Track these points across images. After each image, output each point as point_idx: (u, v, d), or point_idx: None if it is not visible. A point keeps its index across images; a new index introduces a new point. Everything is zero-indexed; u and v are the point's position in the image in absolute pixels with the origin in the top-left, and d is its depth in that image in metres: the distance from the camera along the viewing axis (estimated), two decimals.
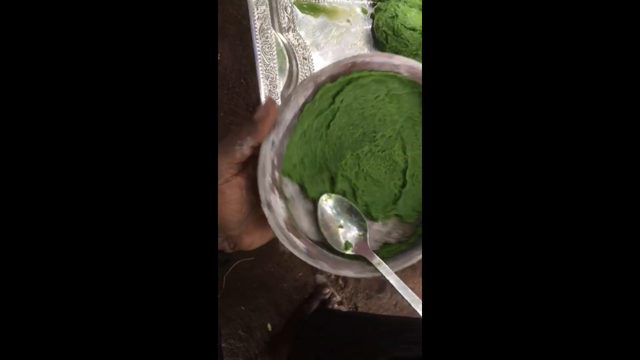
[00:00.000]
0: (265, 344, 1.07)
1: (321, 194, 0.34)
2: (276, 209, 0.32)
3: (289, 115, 0.31)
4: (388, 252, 0.34)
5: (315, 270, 1.10)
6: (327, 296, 1.08)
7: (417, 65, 0.31)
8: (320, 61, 0.61)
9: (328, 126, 0.33)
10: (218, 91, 1.03)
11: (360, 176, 0.34)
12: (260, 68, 0.56)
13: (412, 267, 1.13)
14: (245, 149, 0.30)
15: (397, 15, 0.60)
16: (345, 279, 1.12)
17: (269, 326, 1.07)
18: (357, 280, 1.12)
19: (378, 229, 0.35)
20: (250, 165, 0.32)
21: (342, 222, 0.34)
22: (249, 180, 0.32)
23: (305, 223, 0.35)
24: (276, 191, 0.32)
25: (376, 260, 0.32)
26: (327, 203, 0.34)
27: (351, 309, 1.12)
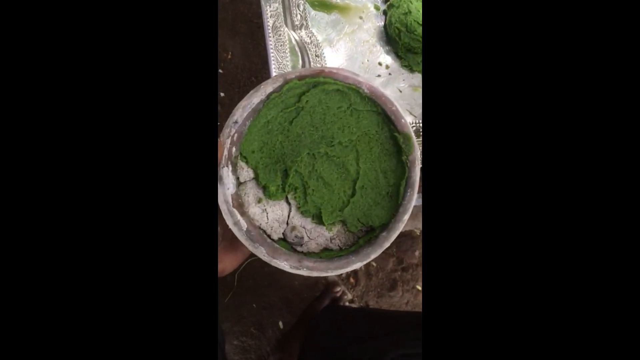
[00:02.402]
0: (276, 341, 1.07)
1: (273, 183, 0.36)
2: (226, 183, 0.34)
3: (255, 100, 0.34)
4: (327, 255, 0.36)
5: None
6: (338, 294, 1.08)
7: (377, 87, 0.35)
8: (332, 58, 0.60)
9: (291, 122, 0.35)
10: (229, 90, 1.03)
11: (313, 176, 0.36)
12: (272, 66, 0.56)
13: (416, 264, 1.12)
14: None
15: (410, 12, 0.60)
16: (356, 277, 1.12)
17: (280, 324, 1.08)
18: (369, 278, 1.12)
19: (322, 233, 0.37)
20: None
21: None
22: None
23: (253, 209, 0.36)
24: (230, 165, 0.34)
25: None
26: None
27: (362, 307, 1.12)
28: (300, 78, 0.34)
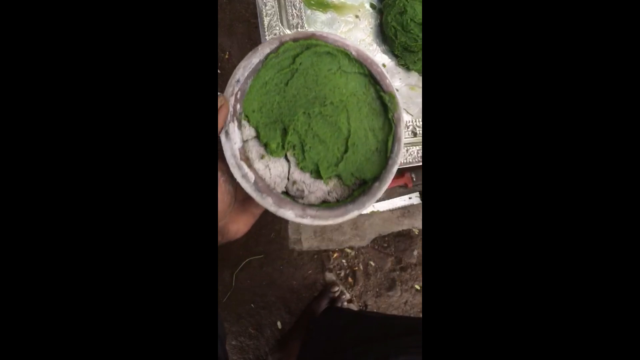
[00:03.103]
0: (275, 341, 1.07)
1: (273, 141, 0.38)
2: (233, 137, 0.36)
3: (254, 60, 0.36)
4: (326, 206, 0.39)
5: (324, 268, 1.10)
6: (337, 294, 1.08)
7: (364, 50, 0.38)
8: None
9: (286, 83, 0.38)
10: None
11: (309, 134, 0.39)
12: None
13: (415, 264, 1.12)
14: None
15: (406, 11, 0.60)
16: (354, 277, 1.12)
17: (278, 324, 1.08)
18: (367, 278, 1.12)
19: (321, 187, 0.39)
20: (220, 158, 0.35)
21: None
22: (224, 171, 0.36)
23: (257, 164, 0.38)
24: (236, 121, 0.36)
25: None
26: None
27: (361, 307, 1.12)
28: (295, 40, 0.37)
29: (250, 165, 0.36)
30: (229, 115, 0.35)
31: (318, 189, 0.39)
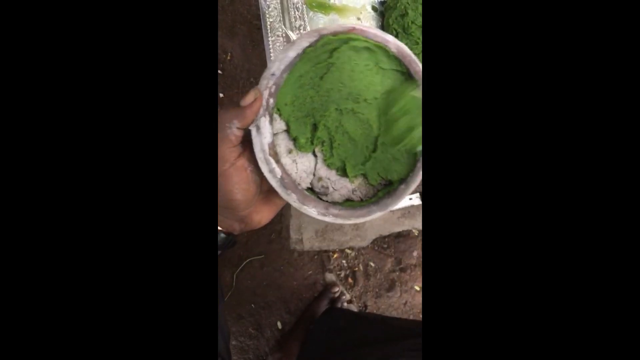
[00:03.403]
0: (275, 341, 1.07)
1: (302, 135, 0.37)
2: (264, 132, 0.35)
3: (292, 54, 0.35)
4: (349, 205, 0.38)
5: (324, 269, 1.10)
6: (337, 294, 1.08)
7: (405, 47, 0.35)
8: None
9: (321, 78, 0.37)
10: (228, 90, 1.04)
11: (339, 130, 0.38)
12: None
13: (415, 265, 1.12)
14: (235, 131, 0.33)
15: (407, 13, 0.60)
16: (354, 277, 1.12)
17: (279, 324, 1.08)
18: (367, 279, 1.12)
19: (345, 185, 0.39)
20: (249, 149, 0.35)
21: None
22: (251, 162, 0.35)
23: (284, 159, 0.37)
24: (268, 115, 0.35)
25: None
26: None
27: (360, 308, 1.12)
28: (334, 34, 0.35)
29: (277, 161, 0.36)
30: (261, 109, 0.34)
31: (343, 186, 0.39)
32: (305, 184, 0.38)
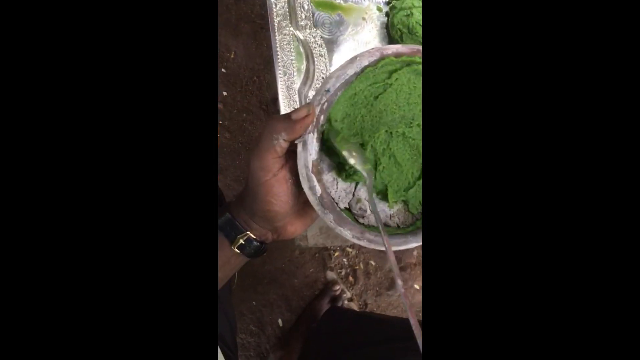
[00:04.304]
0: (276, 339, 1.08)
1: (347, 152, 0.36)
2: (309, 148, 0.34)
3: (350, 71, 0.34)
4: (386, 231, 0.36)
5: (325, 267, 1.11)
6: (338, 293, 1.09)
7: None
8: (336, 58, 0.62)
9: (376, 98, 0.35)
10: (231, 89, 1.04)
11: (386, 154, 0.36)
12: (278, 64, 0.57)
13: (415, 264, 1.13)
14: (282, 143, 0.32)
15: (412, 13, 0.61)
16: (355, 276, 1.13)
17: (280, 322, 1.08)
18: (367, 277, 1.13)
19: (384, 209, 0.38)
20: (292, 160, 0.34)
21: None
22: (293, 174, 0.35)
23: (326, 176, 0.36)
24: (316, 132, 0.34)
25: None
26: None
27: (361, 306, 1.13)
28: (397, 55, 0.34)
29: (320, 180, 0.35)
30: (311, 125, 0.33)
31: (381, 210, 0.37)
32: (343, 204, 0.37)
